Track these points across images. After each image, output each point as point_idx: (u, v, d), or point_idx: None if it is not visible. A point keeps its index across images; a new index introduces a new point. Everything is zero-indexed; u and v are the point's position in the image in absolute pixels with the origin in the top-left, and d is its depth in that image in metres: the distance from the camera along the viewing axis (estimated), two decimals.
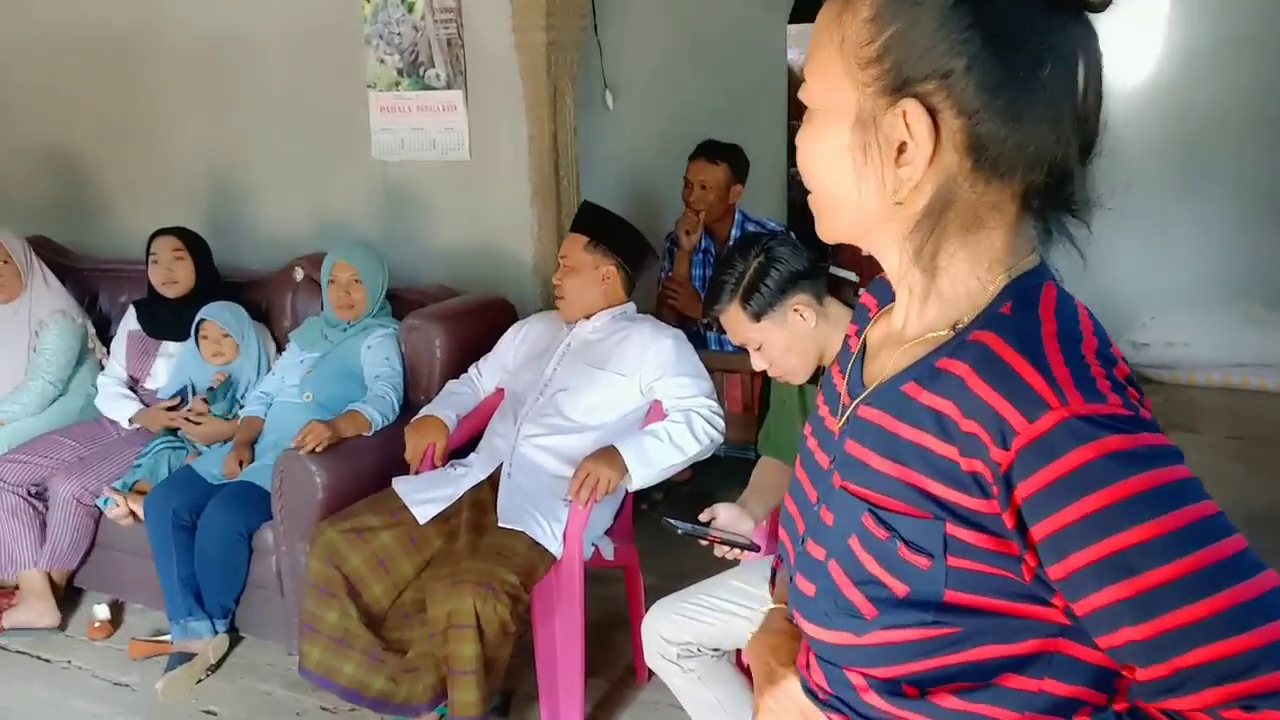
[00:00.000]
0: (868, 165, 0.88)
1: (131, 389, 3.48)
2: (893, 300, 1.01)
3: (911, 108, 0.85)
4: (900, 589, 0.88)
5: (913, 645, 0.89)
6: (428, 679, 2.40)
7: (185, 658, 2.91)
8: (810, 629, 0.98)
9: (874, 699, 0.93)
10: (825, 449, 1.02)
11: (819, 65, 0.90)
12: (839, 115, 0.89)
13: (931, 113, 0.84)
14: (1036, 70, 0.83)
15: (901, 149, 0.86)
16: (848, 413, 0.98)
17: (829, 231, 0.95)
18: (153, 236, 3.42)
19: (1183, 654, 0.77)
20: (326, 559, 2.52)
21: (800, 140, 0.93)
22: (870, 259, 0.98)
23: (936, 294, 0.93)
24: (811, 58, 0.91)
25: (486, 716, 2.35)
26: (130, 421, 3.39)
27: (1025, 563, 0.84)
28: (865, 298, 1.12)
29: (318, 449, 2.81)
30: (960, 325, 0.90)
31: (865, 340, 1.05)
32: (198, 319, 3.30)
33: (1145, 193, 5.47)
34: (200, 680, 2.91)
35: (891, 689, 0.92)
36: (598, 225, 2.85)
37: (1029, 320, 0.86)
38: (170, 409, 3.28)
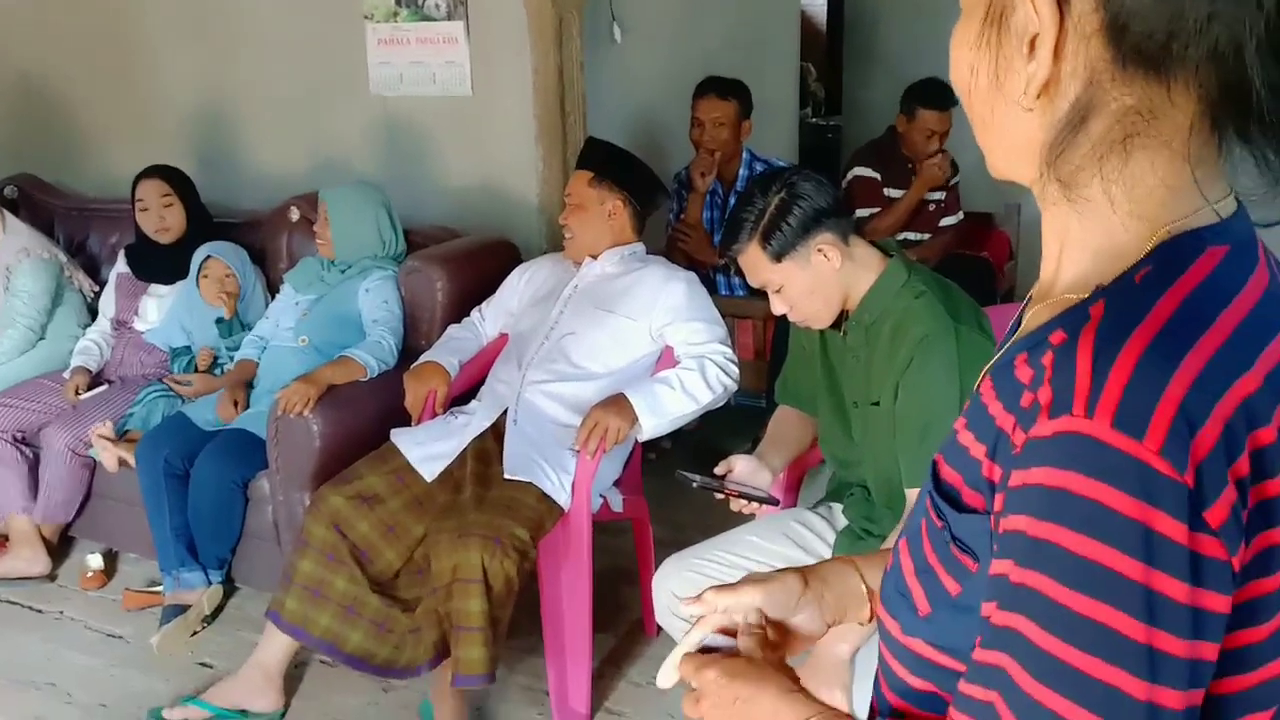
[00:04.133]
0: (995, 65, 0.72)
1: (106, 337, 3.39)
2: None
3: None
4: (953, 588, 0.76)
5: (947, 673, 0.78)
6: (430, 637, 2.31)
7: (180, 610, 2.82)
8: (878, 608, 0.89)
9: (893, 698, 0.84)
10: None
11: None
12: (974, 10, 0.73)
13: None
14: None
15: (1034, 43, 0.69)
16: (976, 384, 0.83)
17: (992, 164, 0.79)
18: (136, 180, 3.28)
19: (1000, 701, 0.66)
20: (332, 526, 2.41)
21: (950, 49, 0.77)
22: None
23: (1083, 244, 0.74)
24: None
25: (493, 676, 2.26)
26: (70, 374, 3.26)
27: None
28: None
29: (306, 411, 2.69)
30: (1101, 288, 0.71)
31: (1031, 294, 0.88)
32: (203, 256, 3.18)
33: None
34: (195, 633, 2.83)
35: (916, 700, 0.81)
36: (602, 160, 2.72)
37: (1144, 299, 0.66)
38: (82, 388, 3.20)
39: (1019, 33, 0.69)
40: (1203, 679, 0.64)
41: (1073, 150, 0.70)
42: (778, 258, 1.89)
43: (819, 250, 1.88)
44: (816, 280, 1.90)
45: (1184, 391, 0.62)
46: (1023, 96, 0.70)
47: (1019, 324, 0.83)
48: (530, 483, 2.39)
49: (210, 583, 2.89)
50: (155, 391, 3.14)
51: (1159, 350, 0.63)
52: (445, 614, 2.26)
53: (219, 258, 3.18)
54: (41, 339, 3.40)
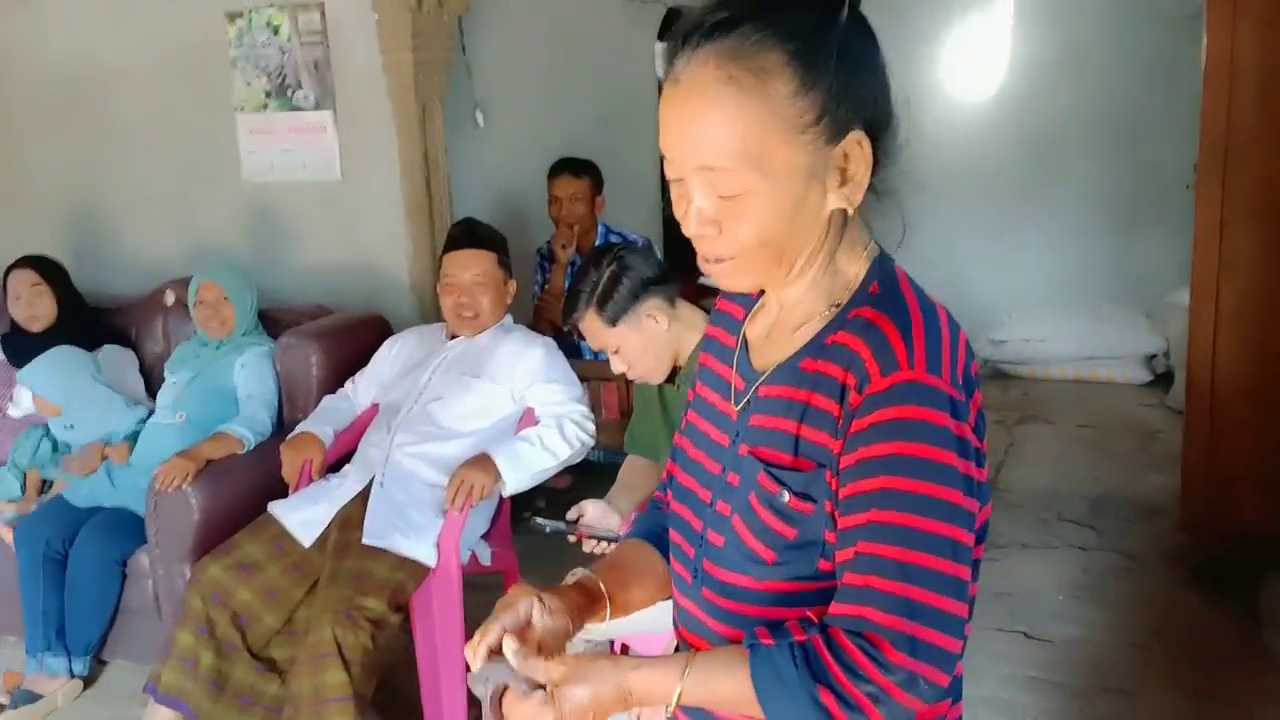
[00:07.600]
0: (823, 197, 1.03)
1: None
2: (755, 302, 1.17)
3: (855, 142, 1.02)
4: (790, 533, 1.03)
5: (802, 595, 1.03)
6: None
7: (34, 697, 2.86)
8: (721, 574, 1.10)
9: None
10: (723, 428, 1.15)
11: (749, 148, 0.99)
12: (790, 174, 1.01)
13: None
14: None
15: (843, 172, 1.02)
16: (748, 395, 1.11)
17: (766, 277, 1.07)
18: (7, 271, 3.38)
19: (881, 576, 0.96)
20: (211, 596, 2.52)
21: (741, 211, 1.00)
22: None
23: (814, 284, 1.08)
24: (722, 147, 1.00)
25: None
26: None
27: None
28: (725, 304, 1.24)
29: (184, 485, 2.80)
30: (839, 305, 1.07)
31: (745, 338, 1.17)
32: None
33: (997, 201, 5.79)
34: None
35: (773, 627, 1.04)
36: (498, 241, 2.91)
37: (898, 297, 1.05)
38: None
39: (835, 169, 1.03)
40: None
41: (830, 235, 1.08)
42: (612, 323, 2.13)
43: (648, 315, 2.13)
44: (648, 341, 2.14)
45: (951, 350, 1.01)
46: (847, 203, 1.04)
47: (745, 349, 1.15)
48: (386, 549, 2.54)
49: (73, 674, 2.93)
50: (38, 433, 3.23)
51: (930, 323, 1.01)
52: (311, 689, 2.36)
53: (40, 395, 3.19)
54: None
